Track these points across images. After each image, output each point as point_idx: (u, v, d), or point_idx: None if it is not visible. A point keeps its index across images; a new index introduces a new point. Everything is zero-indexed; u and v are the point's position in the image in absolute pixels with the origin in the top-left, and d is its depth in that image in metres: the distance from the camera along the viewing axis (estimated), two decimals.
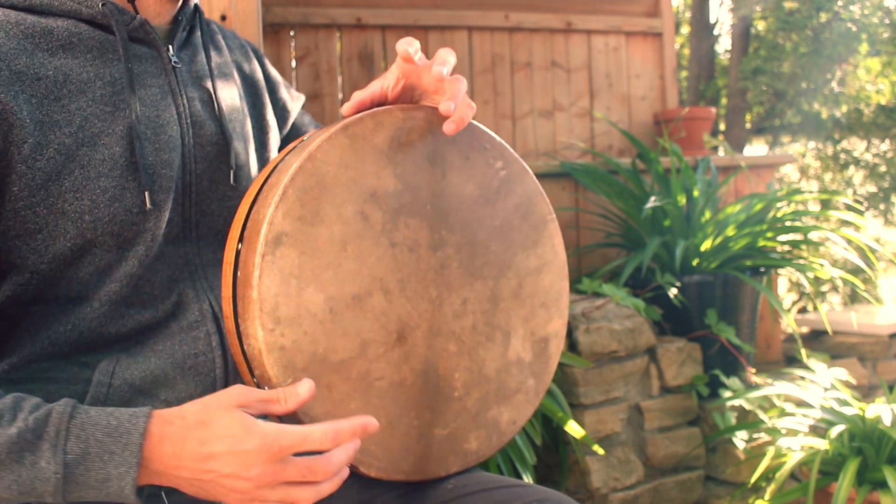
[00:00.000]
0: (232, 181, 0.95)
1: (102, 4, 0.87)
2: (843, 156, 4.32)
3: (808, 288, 3.28)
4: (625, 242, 2.72)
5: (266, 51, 2.82)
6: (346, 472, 0.77)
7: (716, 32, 4.63)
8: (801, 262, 2.51)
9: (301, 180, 0.78)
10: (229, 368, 0.91)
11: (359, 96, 0.88)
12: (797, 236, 2.55)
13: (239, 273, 0.79)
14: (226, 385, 0.90)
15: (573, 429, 1.92)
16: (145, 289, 0.88)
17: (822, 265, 2.47)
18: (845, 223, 3.70)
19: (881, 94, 4.13)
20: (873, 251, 3.35)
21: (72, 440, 0.71)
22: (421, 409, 0.86)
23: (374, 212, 0.83)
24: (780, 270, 2.69)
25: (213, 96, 0.96)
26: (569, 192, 2.89)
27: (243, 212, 0.82)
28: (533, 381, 0.95)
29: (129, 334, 0.88)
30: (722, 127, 4.19)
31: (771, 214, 2.58)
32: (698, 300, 2.42)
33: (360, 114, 0.84)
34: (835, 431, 1.90)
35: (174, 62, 0.92)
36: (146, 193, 0.85)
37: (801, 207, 2.80)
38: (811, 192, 3.69)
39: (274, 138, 1.08)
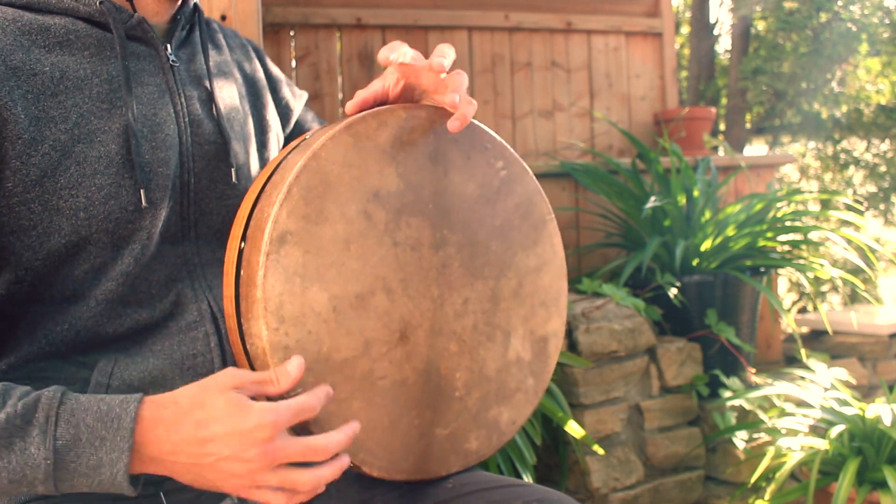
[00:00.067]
0: (234, 179, 0.95)
1: (100, 2, 0.87)
2: (843, 156, 4.32)
3: (808, 288, 3.28)
4: (625, 242, 2.73)
5: (266, 51, 2.82)
6: (346, 461, 0.76)
7: (716, 32, 4.63)
8: (801, 262, 2.51)
9: (305, 179, 0.78)
10: None
11: (362, 95, 0.88)
12: (797, 236, 2.55)
13: (242, 272, 0.79)
14: None
15: (573, 429, 1.92)
16: (142, 288, 0.88)
17: (822, 265, 2.47)
18: (845, 223, 3.70)
19: (881, 94, 4.13)
20: (873, 251, 3.35)
21: (62, 425, 0.70)
22: (422, 408, 0.86)
23: (377, 211, 0.83)
24: (780, 270, 2.69)
25: (212, 95, 0.96)
26: (569, 192, 2.89)
27: (245, 210, 0.82)
28: (532, 381, 0.96)
29: (127, 334, 0.88)
30: (722, 127, 4.19)
31: (771, 214, 2.58)
32: (698, 300, 2.42)
33: (364, 112, 0.84)
34: (835, 431, 1.90)
35: (172, 61, 0.92)
36: (142, 191, 0.85)
37: (801, 207, 2.80)
38: (811, 192, 3.69)
39: (274, 138, 1.08)
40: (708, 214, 2.54)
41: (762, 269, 2.52)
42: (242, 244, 0.80)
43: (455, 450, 0.90)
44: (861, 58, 3.92)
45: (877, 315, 3.17)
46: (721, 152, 3.26)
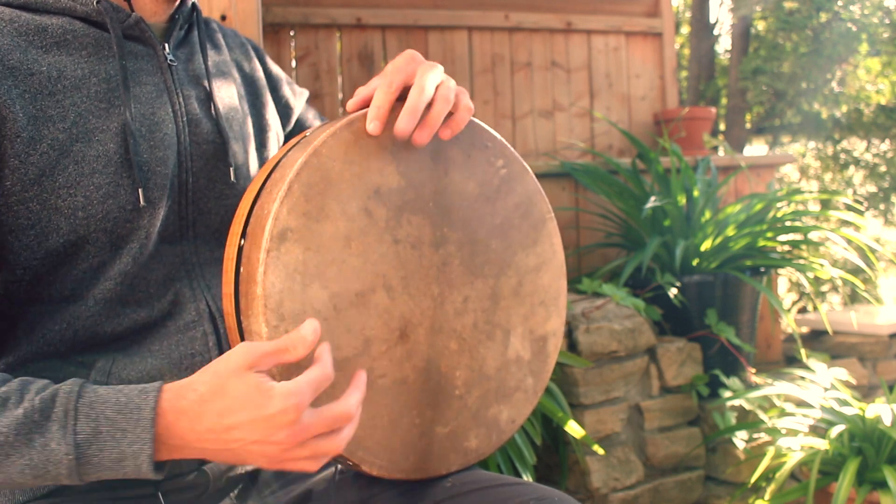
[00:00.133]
0: (232, 178, 0.95)
1: (97, 2, 0.87)
2: (843, 156, 4.32)
3: (808, 288, 3.28)
4: (625, 242, 2.73)
5: (266, 51, 2.82)
6: (358, 413, 0.75)
7: (716, 32, 4.63)
8: (801, 262, 2.51)
9: (306, 175, 0.78)
10: None
11: (363, 92, 0.87)
12: (797, 236, 2.55)
13: (242, 269, 0.79)
14: None
15: (573, 429, 1.92)
16: (141, 287, 0.88)
17: (822, 265, 2.47)
18: (845, 223, 3.70)
19: (881, 94, 4.13)
20: (873, 251, 3.35)
21: (81, 420, 0.70)
22: (422, 407, 0.86)
23: (377, 208, 0.82)
24: (780, 270, 2.69)
25: (210, 95, 0.96)
26: (569, 192, 2.89)
27: (245, 208, 0.82)
28: (532, 380, 0.95)
29: (125, 334, 0.87)
30: (722, 127, 4.19)
31: (771, 214, 2.58)
32: (698, 300, 2.42)
33: (365, 110, 0.83)
34: (835, 431, 1.90)
35: (170, 60, 0.92)
36: (140, 190, 0.85)
37: (801, 207, 2.80)
38: (811, 192, 3.69)
39: (274, 137, 1.08)
40: (708, 214, 2.54)
41: (762, 269, 2.52)
42: (242, 241, 0.80)
43: (455, 448, 0.90)
44: (861, 58, 3.92)
45: (877, 315, 3.17)
46: (721, 152, 3.26)
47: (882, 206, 4.18)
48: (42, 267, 0.83)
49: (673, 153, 2.68)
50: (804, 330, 3.20)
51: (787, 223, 2.52)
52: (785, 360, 2.98)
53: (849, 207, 3.70)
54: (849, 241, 2.74)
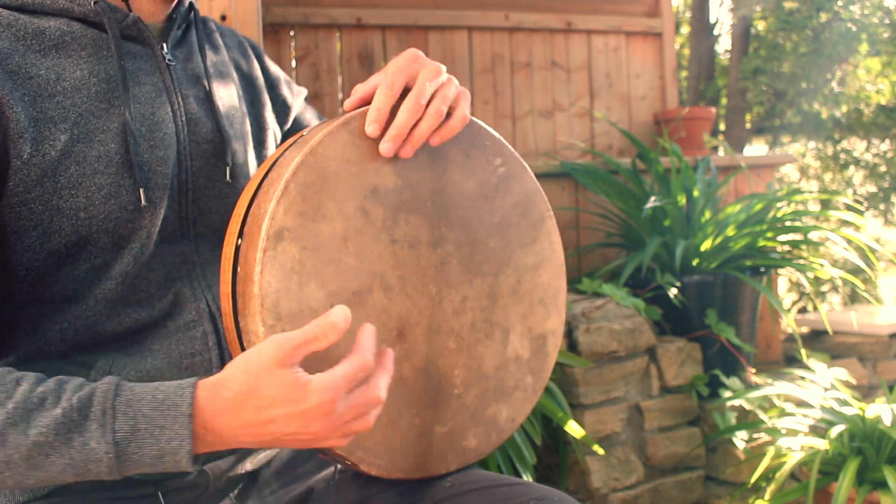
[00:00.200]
0: (228, 178, 0.95)
1: (94, 2, 0.87)
2: (843, 156, 4.32)
3: (808, 288, 3.28)
4: (625, 242, 2.72)
5: (266, 51, 2.82)
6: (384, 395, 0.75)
7: (716, 32, 4.63)
8: (801, 262, 2.51)
9: (303, 175, 0.78)
10: None
11: (361, 91, 0.87)
12: (797, 236, 2.55)
13: (239, 269, 0.79)
14: None
15: (573, 429, 1.91)
16: (141, 287, 0.88)
17: (822, 265, 2.47)
18: (845, 223, 3.70)
19: (881, 94, 4.13)
20: (873, 251, 3.35)
21: (119, 418, 0.70)
22: (421, 407, 0.86)
23: (374, 208, 0.82)
24: (780, 270, 2.69)
25: (209, 94, 0.96)
26: (569, 192, 2.89)
27: (243, 207, 0.82)
28: (531, 379, 0.95)
29: (126, 333, 0.87)
30: (722, 127, 4.19)
31: (771, 214, 2.58)
32: (698, 300, 2.42)
33: (362, 108, 0.83)
34: (835, 431, 1.90)
35: (168, 60, 0.92)
36: (141, 190, 0.85)
37: (801, 207, 2.80)
38: (811, 192, 3.69)
39: (272, 136, 1.08)
40: (708, 214, 2.54)
41: (762, 269, 2.52)
42: (239, 241, 0.80)
43: (454, 448, 0.90)
44: (861, 58, 3.92)
45: (877, 315, 3.17)
46: (721, 152, 3.25)
47: (882, 206, 4.18)
48: (44, 268, 0.83)
49: (673, 153, 2.68)
50: (804, 330, 3.20)
51: (787, 223, 2.52)
52: (785, 360, 2.98)
53: (849, 207, 3.70)
54: (849, 241, 2.74)
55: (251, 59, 1.10)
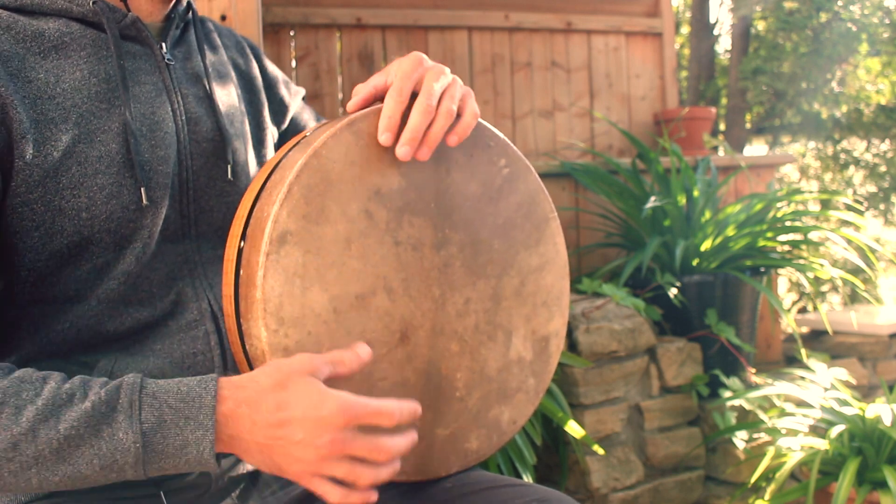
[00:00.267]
0: (230, 176, 0.95)
1: (93, 2, 0.87)
2: (843, 156, 4.32)
3: (808, 288, 3.29)
4: (625, 242, 2.72)
5: (266, 51, 2.82)
6: (397, 466, 0.76)
7: (716, 32, 4.63)
8: (801, 262, 2.51)
9: (306, 177, 0.78)
10: (228, 368, 0.90)
11: (362, 91, 0.87)
12: (797, 236, 2.55)
13: (242, 272, 0.79)
14: None
15: (573, 429, 1.91)
16: (143, 287, 0.88)
17: (822, 265, 2.47)
18: (845, 223, 3.70)
19: (881, 94, 4.13)
20: (873, 251, 3.35)
21: (146, 409, 0.72)
22: (423, 409, 0.86)
23: (378, 210, 0.82)
24: (780, 270, 2.69)
25: (209, 93, 0.96)
26: (569, 192, 2.89)
27: (245, 209, 0.82)
28: (533, 381, 0.95)
29: (128, 333, 0.87)
30: (722, 127, 4.19)
31: (771, 214, 2.58)
32: (698, 300, 2.42)
33: (365, 110, 0.83)
34: (835, 431, 1.90)
35: (167, 60, 0.93)
36: (142, 190, 0.85)
37: (801, 207, 2.80)
38: (811, 192, 3.69)
39: (271, 136, 1.08)
40: (708, 214, 2.54)
41: (762, 269, 2.52)
42: (242, 243, 0.80)
43: (455, 450, 0.90)
44: (861, 58, 3.92)
45: (877, 315, 3.17)
46: (721, 152, 3.25)
47: (882, 206, 4.18)
48: (46, 268, 0.83)
49: (673, 153, 2.68)
50: (804, 330, 3.20)
51: (787, 223, 2.52)
52: (785, 360, 2.98)
53: (849, 207, 3.70)
54: (849, 241, 2.74)
55: (249, 58, 1.10)
